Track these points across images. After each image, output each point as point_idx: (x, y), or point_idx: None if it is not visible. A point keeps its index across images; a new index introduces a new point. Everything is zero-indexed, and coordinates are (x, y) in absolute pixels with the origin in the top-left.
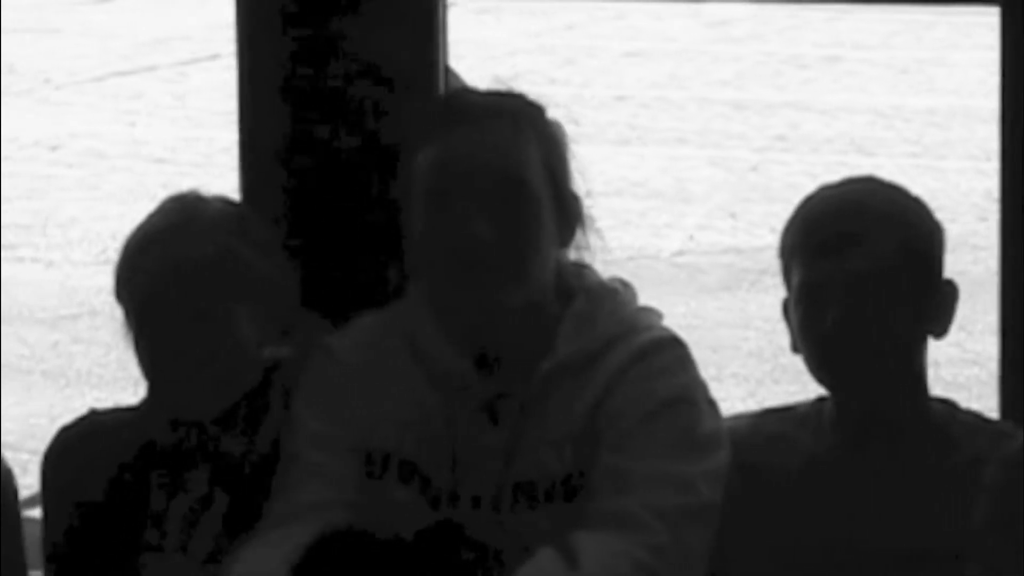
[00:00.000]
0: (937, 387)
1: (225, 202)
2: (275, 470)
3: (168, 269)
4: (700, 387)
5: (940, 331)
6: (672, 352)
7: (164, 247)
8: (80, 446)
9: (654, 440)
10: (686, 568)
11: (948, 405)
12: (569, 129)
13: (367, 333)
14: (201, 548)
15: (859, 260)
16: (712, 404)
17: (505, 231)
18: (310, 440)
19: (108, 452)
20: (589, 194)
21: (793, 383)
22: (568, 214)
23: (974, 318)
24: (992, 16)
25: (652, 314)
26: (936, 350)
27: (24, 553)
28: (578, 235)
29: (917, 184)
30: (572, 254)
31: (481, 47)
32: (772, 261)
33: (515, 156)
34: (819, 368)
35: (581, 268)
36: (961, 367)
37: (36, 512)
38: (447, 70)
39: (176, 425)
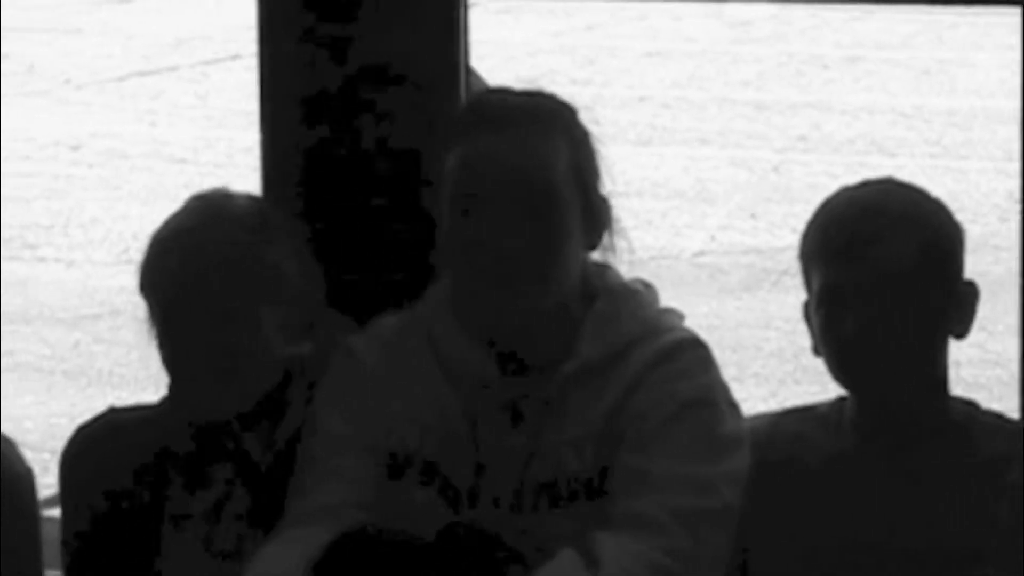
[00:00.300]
0: (958, 387)
1: (251, 200)
2: (293, 468)
3: (193, 268)
4: (721, 389)
5: (961, 332)
6: (694, 353)
7: (189, 246)
8: (98, 444)
9: (674, 442)
10: (705, 570)
11: (971, 406)
12: (590, 129)
13: (389, 333)
14: (221, 545)
15: (879, 262)
16: (733, 406)
17: (530, 235)
18: (329, 440)
19: (127, 450)
20: (611, 194)
21: (814, 383)
22: (596, 217)
23: (995, 319)
24: (1014, 16)
25: (674, 315)
26: (957, 351)
27: (41, 553)
28: (604, 237)
29: (938, 185)
30: (597, 254)
31: (501, 47)
32: (793, 261)
33: (542, 159)
34: (840, 370)
35: (603, 268)
36: (982, 368)
37: (57, 512)
38: (469, 71)
39: (197, 423)
